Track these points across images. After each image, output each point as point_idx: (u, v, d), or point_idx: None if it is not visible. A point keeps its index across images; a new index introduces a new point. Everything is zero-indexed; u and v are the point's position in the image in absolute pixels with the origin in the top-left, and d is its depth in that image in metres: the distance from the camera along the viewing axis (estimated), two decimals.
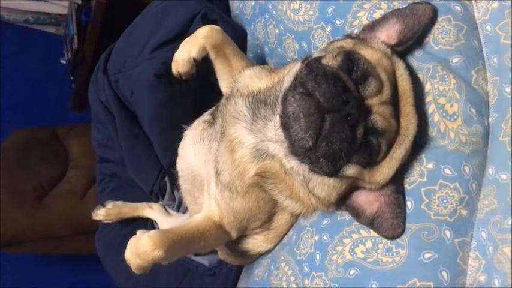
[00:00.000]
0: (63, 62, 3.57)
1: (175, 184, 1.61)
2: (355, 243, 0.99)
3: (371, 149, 0.91)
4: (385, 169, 0.94)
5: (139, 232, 1.11)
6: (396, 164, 0.94)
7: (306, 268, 1.08)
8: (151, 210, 1.73)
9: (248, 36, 1.51)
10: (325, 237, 1.07)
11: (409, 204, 0.95)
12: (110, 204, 1.73)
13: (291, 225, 1.20)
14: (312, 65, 0.92)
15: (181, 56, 1.25)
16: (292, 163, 0.99)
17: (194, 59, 1.23)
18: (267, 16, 1.36)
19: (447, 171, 0.93)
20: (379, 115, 0.90)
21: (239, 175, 1.10)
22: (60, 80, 3.49)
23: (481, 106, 0.94)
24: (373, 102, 0.90)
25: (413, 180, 0.96)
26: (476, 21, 0.98)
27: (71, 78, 3.46)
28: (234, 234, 1.20)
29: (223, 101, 1.19)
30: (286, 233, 1.22)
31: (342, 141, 0.87)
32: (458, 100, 0.94)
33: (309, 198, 1.04)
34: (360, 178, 0.95)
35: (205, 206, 1.21)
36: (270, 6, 1.33)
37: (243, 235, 1.25)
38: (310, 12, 1.18)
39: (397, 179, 0.97)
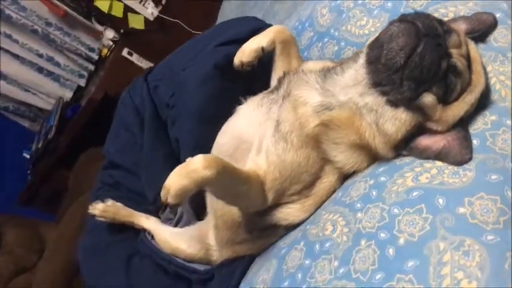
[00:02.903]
0: (27, 155, 3.88)
1: None
2: (419, 173, 1.03)
3: (448, 86, 1.03)
4: (456, 109, 1.04)
5: (188, 159, 1.12)
6: (466, 107, 1.05)
7: (358, 205, 1.08)
8: (147, 220, 1.67)
9: None
10: (382, 178, 1.09)
11: (474, 141, 1.03)
12: (109, 202, 1.68)
13: (333, 191, 1.22)
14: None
15: (249, 46, 1.39)
16: (367, 99, 1.09)
17: (263, 48, 1.37)
18: (326, 39, 1.53)
19: (508, 122, 1.04)
20: (458, 60, 1.05)
21: (300, 125, 1.18)
22: (17, 172, 3.73)
23: None
24: (453, 51, 1.05)
25: (477, 127, 1.05)
26: None
27: (29, 172, 3.75)
28: (271, 196, 1.21)
29: (291, 72, 1.31)
30: (324, 201, 1.22)
31: (432, 62, 0.99)
32: None
33: (374, 138, 1.10)
34: (431, 114, 1.04)
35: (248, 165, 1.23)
36: (332, 30, 1.52)
37: (275, 205, 1.24)
38: (378, 24, 1.38)
39: (463, 124, 1.06)
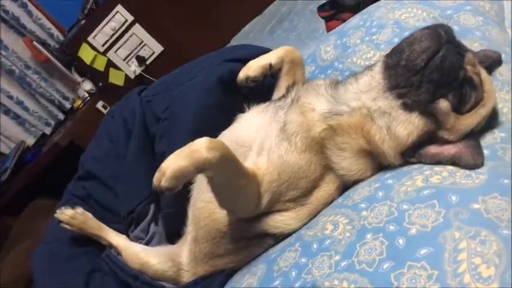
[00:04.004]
0: None
1: (156, 216, 1.56)
2: (429, 175, 1.01)
3: (463, 96, 1.05)
4: (469, 119, 1.05)
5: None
6: (478, 118, 1.05)
7: (363, 205, 1.04)
8: (116, 236, 1.57)
9: None
10: (389, 181, 1.06)
11: (485, 151, 1.02)
12: (80, 209, 1.57)
13: (330, 202, 1.18)
14: None
15: (257, 62, 1.40)
16: (380, 103, 1.08)
17: (270, 65, 1.39)
18: (329, 71, 1.55)
19: None
20: (474, 75, 1.07)
21: (307, 128, 1.16)
22: None
23: None
24: (468, 68, 1.08)
25: (487, 141, 1.05)
26: None
27: None
28: (266, 199, 1.17)
29: (300, 83, 1.31)
30: (320, 211, 1.17)
31: (452, 66, 1.01)
32: None
33: (383, 142, 1.08)
34: (444, 122, 1.04)
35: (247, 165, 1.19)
36: (336, 63, 1.54)
37: (268, 212, 1.19)
38: (383, 53, 1.42)
39: (474, 136, 1.06)
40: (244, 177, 1.12)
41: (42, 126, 4.24)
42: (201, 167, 1.04)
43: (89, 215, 1.58)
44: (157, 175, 1.05)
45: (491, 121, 1.10)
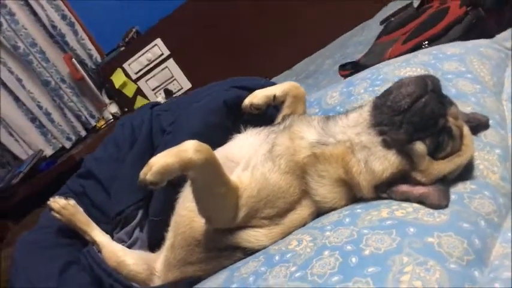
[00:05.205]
0: None
1: (142, 223, 1.62)
2: (395, 209, 1.06)
3: (440, 143, 1.10)
4: (443, 165, 1.09)
5: None
6: (452, 166, 1.10)
7: (329, 227, 1.09)
8: (100, 234, 1.62)
9: None
10: (358, 210, 1.11)
11: (453, 196, 1.07)
12: (72, 201, 1.64)
13: (302, 225, 1.22)
14: None
15: (263, 91, 1.50)
16: (363, 138, 1.15)
17: (275, 96, 1.48)
18: (331, 114, 1.60)
19: (486, 193, 1.10)
20: (454, 126, 1.13)
21: (292, 152, 1.23)
22: None
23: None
24: (451, 120, 1.14)
25: (457, 188, 1.10)
26: None
27: None
28: (242, 213, 1.22)
29: (297, 114, 1.39)
30: (291, 233, 1.21)
31: (432, 113, 1.07)
32: (499, 167, 1.18)
33: (360, 174, 1.14)
34: (418, 163, 1.09)
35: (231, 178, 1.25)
36: (338, 107, 1.61)
37: (243, 226, 1.24)
38: None
39: (446, 182, 1.11)
40: (225, 186, 1.19)
41: (63, 139, 4.38)
42: (185, 166, 1.11)
43: (80, 208, 1.65)
44: (144, 169, 1.12)
45: (466, 173, 1.15)
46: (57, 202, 1.62)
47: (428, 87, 1.08)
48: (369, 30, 3.32)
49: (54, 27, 4.14)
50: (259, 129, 1.40)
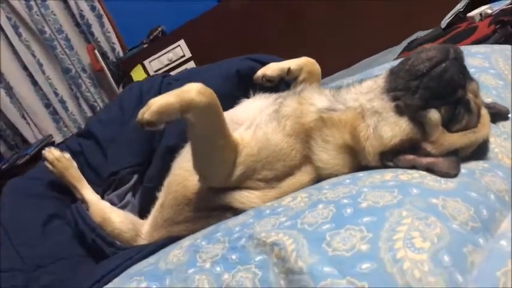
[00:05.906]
0: None
1: (136, 188, 1.57)
2: (400, 173, 0.99)
3: (455, 115, 1.04)
4: (456, 138, 1.03)
5: None
6: (465, 140, 1.03)
7: (327, 187, 1.02)
8: (90, 192, 1.57)
9: None
10: (360, 174, 1.04)
11: (463, 170, 0.99)
12: (67, 155, 1.60)
13: (298, 189, 1.14)
14: None
15: (277, 64, 1.43)
16: (375, 103, 1.08)
17: (289, 69, 1.42)
18: None
19: (500, 173, 1.02)
20: (473, 102, 1.07)
21: (299, 114, 1.17)
22: None
23: None
24: (470, 95, 1.08)
25: (469, 165, 1.02)
26: None
27: None
28: (238, 172, 1.16)
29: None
30: (284, 196, 1.14)
31: (451, 79, 1.01)
32: None
33: (367, 140, 1.07)
34: (430, 133, 1.03)
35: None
36: None
37: (236, 188, 1.17)
38: None
39: (457, 155, 1.03)
40: (224, 139, 1.13)
41: (74, 129, 4.36)
42: (186, 107, 1.06)
43: (74, 163, 1.60)
44: (143, 109, 1.07)
45: (480, 153, 1.07)
46: (51, 152, 1.57)
47: (450, 55, 1.02)
48: (394, 54, 3.30)
49: (82, 16, 4.16)
50: (268, 94, 1.35)
